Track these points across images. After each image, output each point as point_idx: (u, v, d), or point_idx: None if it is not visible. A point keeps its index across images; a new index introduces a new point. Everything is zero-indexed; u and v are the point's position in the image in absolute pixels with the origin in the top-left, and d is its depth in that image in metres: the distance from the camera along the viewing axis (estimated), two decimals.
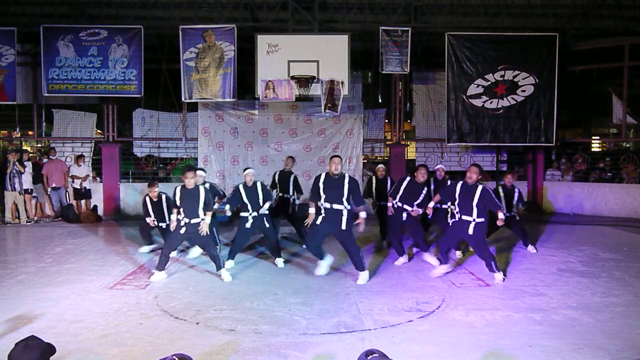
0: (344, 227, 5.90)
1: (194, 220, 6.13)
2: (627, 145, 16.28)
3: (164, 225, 7.46)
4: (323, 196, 5.91)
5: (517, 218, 7.72)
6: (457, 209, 6.03)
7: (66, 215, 10.94)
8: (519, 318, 4.74)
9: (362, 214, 6.01)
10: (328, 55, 10.27)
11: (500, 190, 7.73)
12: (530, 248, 7.78)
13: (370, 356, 2.61)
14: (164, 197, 7.50)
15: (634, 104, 12.69)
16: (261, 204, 6.72)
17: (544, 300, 5.30)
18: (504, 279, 6.04)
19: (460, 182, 6.10)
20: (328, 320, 4.70)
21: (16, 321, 4.61)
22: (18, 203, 10.63)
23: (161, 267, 6.17)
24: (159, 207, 7.47)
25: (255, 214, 6.69)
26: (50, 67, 10.67)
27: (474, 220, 5.94)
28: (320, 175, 6.06)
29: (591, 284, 5.92)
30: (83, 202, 11.45)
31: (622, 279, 6.13)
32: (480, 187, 5.94)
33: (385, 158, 12.89)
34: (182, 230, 6.16)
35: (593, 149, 16.27)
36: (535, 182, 12.55)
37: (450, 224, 6.26)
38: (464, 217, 5.98)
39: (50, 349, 2.80)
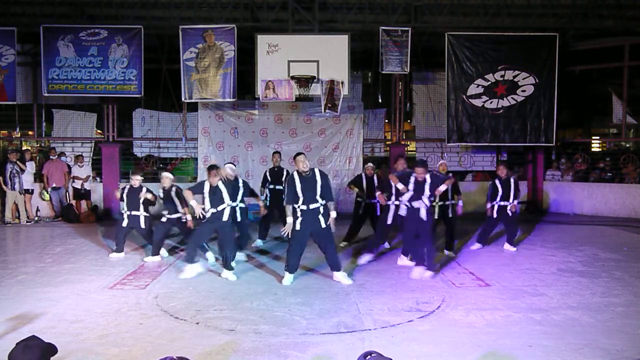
0: (323, 225, 5.95)
1: (220, 207, 6.23)
2: (627, 145, 16.29)
3: (137, 213, 7.36)
4: (301, 198, 5.90)
5: (510, 214, 7.67)
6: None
7: (66, 215, 10.95)
8: (519, 318, 4.74)
9: (333, 214, 6.01)
10: (328, 55, 10.27)
11: (497, 182, 7.68)
12: (507, 246, 7.73)
13: (369, 357, 2.63)
14: (144, 188, 7.44)
15: (634, 104, 12.70)
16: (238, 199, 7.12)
17: (544, 300, 5.30)
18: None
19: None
20: (328, 320, 4.70)
21: (16, 321, 4.61)
22: (18, 203, 10.64)
23: (191, 259, 6.24)
24: (135, 194, 7.37)
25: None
26: (50, 67, 10.67)
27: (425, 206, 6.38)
28: (293, 176, 5.94)
29: (591, 284, 5.92)
30: (83, 202, 11.46)
31: (622, 279, 6.14)
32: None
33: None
34: (208, 215, 6.23)
35: (593, 149, 16.26)
36: (535, 182, 12.56)
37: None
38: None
39: (50, 349, 2.80)
